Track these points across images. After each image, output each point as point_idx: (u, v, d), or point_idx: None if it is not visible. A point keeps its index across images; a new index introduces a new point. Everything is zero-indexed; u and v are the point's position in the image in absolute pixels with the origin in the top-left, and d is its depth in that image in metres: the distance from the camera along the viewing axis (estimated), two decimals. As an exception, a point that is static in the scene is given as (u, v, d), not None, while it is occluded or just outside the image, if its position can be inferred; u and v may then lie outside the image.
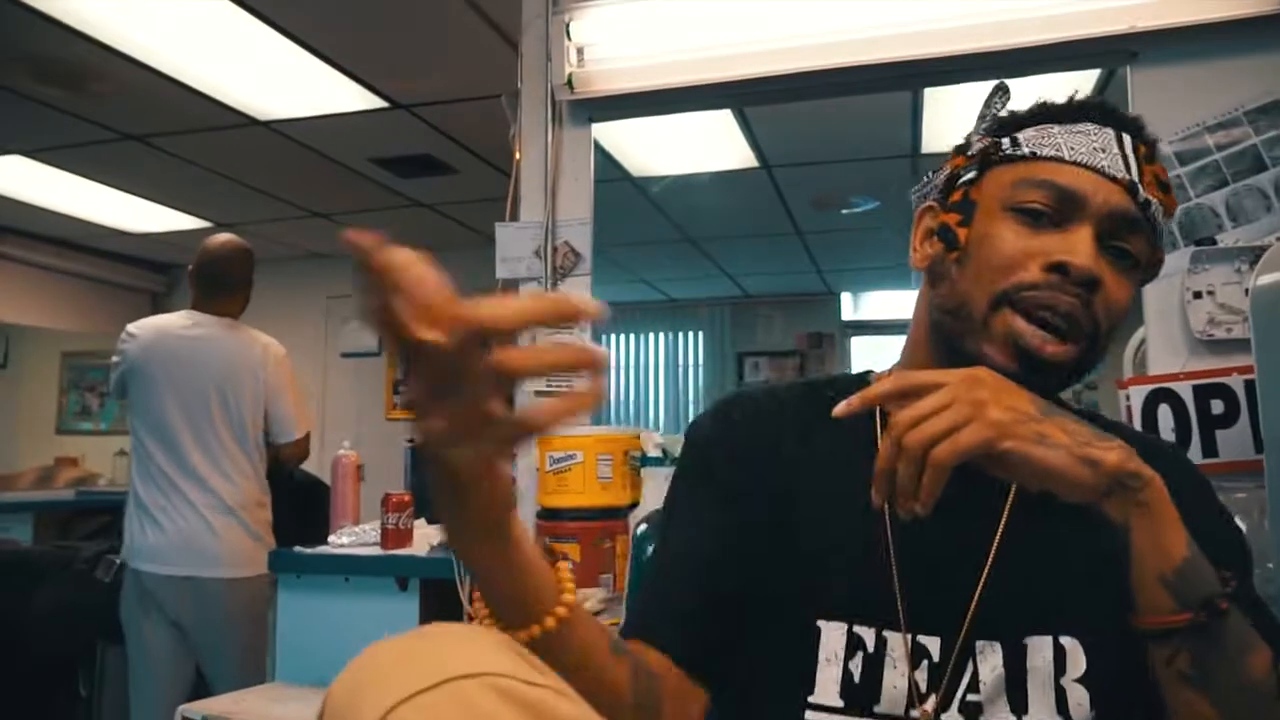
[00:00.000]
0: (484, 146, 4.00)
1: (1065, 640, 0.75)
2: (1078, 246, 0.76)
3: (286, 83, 3.35)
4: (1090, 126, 0.81)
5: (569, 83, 1.86)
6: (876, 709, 0.76)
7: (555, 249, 1.88)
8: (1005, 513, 0.80)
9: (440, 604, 1.97)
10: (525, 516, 1.81)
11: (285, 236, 5.52)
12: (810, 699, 0.77)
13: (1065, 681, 0.74)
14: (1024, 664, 0.75)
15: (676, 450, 1.70)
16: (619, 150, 1.99)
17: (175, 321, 2.47)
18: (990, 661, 0.76)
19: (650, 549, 1.08)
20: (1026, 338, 0.75)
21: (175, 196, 4.82)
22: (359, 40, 3.03)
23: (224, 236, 2.64)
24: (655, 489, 1.70)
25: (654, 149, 2.15)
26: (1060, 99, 0.84)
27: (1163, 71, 1.66)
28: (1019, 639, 0.76)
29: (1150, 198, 0.79)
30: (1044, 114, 0.83)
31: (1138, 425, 1.51)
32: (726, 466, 0.86)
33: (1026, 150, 0.81)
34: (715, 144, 3.41)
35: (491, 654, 0.52)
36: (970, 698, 0.75)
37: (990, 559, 0.78)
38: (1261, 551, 1.27)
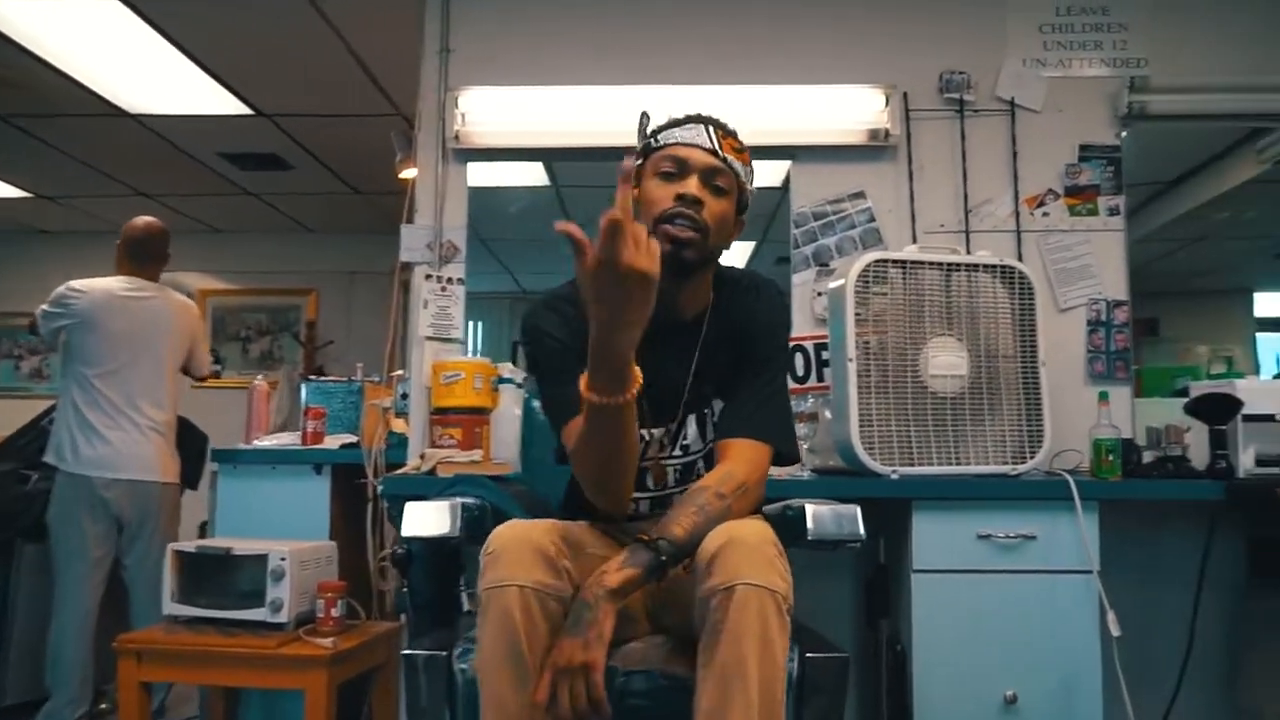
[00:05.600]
0: (323, 150, 4.77)
1: (716, 402, 1.58)
2: (689, 185, 1.46)
3: (163, 83, 3.95)
4: (693, 124, 1.51)
5: (456, 137, 2.86)
6: (648, 456, 1.57)
7: (442, 244, 2.87)
8: (696, 351, 1.54)
9: (346, 481, 2.85)
10: (423, 416, 2.77)
11: (102, 211, 5.83)
12: None
13: (714, 417, 1.58)
14: (705, 415, 1.59)
15: (519, 378, 2.72)
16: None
17: (116, 284, 3.14)
18: (691, 424, 1.59)
19: (536, 402, 2.06)
20: (670, 232, 1.43)
21: (4, 169, 5.12)
22: (242, 57, 3.73)
23: (147, 218, 3.32)
24: (507, 398, 2.70)
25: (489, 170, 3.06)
26: (681, 114, 1.55)
27: (808, 166, 2.91)
28: (701, 410, 1.59)
29: (727, 155, 1.48)
30: (671, 123, 1.54)
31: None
32: (559, 341, 1.51)
33: (661, 143, 1.51)
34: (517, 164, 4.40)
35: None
36: (682, 442, 1.58)
37: (689, 381, 1.55)
38: (828, 429, 2.48)
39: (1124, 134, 2.86)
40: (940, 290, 2.44)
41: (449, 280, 2.86)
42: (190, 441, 3.38)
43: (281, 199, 5.66)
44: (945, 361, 2.40)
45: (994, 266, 2.46)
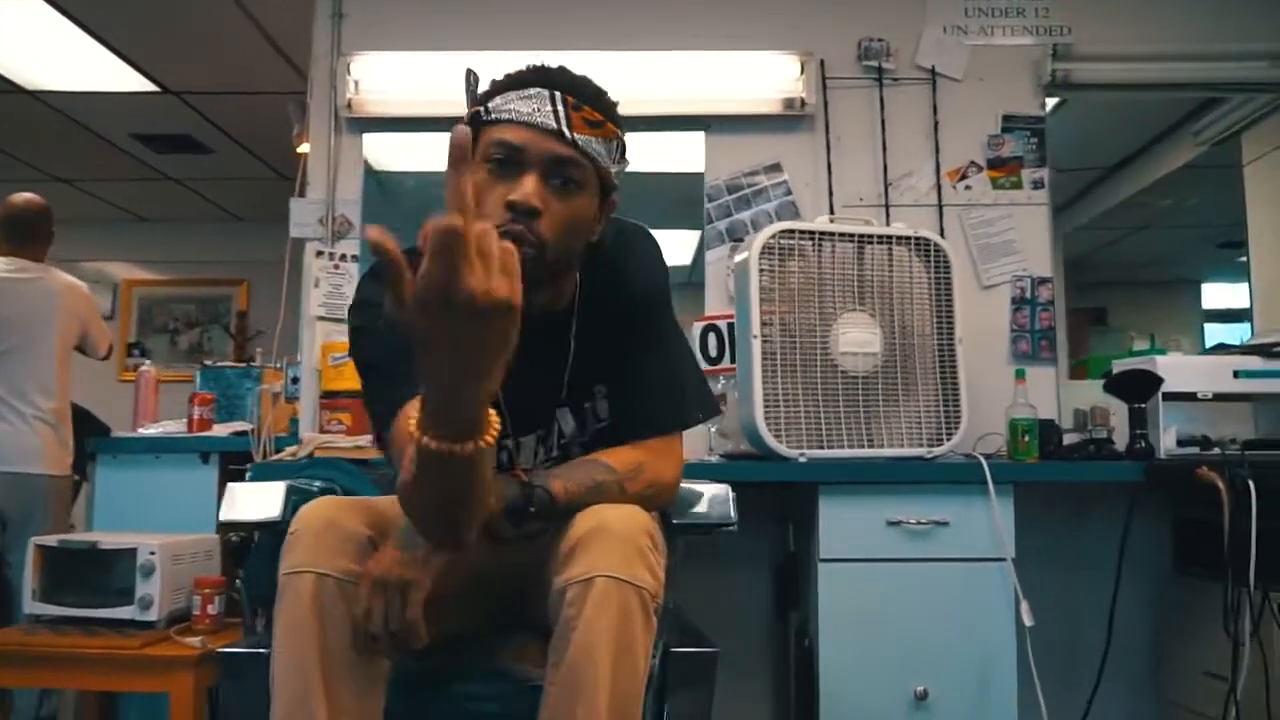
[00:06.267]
0: (242, 132, 4.57)
1: (597, 388, 1.34)
2: (523, 187, 1.10)
3: (61, 59, 3.74)
4: (534, 90, 1.14)
5: (349, 105, 2.69)
6: (515, 464, 1.29)
7: (335, 218, 2.71)
8: (570, 347, 1.30)
9: (238, 472, 2.67)
10: (313, 400, 2.61)
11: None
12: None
13: (597, 404, 1.34)
14: (585, 410, 1.34)
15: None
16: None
17: None
18: (567, 419, 1.35)
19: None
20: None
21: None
22: (141, 30, 3.52)
23: (26, 195, 3.13)
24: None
25: (399, 151, 2.86)
26: (522, 66, 1.18)
27: (722, 138, 2.77)
28: (581, 404, 1.34)
29: (580, 136, 1.13)
30: (507, 84, 1.17)
31: (696, 345, 2.57)
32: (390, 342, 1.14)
33: (492, 116, 1.14)
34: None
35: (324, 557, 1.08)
36: (560, 440, 1.34)
37: (565, 383, 1.30)
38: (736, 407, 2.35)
39: (1048, 104, 2.76)
40: (852, 264, 2.32)
41: (342, 257, 2.70)
42: (88, 432, 3.19)
43: (206, 185, 5.44)
44: (856, 338, 2.27)
45: (909, 239, 2.34)
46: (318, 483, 1.56)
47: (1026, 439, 2.23)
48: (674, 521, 1.41)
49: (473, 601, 1.33)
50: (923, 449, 2.27)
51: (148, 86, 4.00)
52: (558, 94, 1.14)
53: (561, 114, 1.13)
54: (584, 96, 1.17)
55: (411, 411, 0.94)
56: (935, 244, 2.35)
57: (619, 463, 1.25)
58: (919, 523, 2.11)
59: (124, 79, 3.91)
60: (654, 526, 1.18)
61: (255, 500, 1.39)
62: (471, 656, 1.32)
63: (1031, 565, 2.12)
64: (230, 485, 1.38)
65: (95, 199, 5.66)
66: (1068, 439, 2.39)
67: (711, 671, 1.39)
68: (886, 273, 2.33)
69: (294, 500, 1.42)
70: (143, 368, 2.98)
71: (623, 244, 1.33)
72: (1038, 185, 2.73)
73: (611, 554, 1.09)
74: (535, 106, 1.13)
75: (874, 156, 2.73)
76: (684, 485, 1.44)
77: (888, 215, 2.69)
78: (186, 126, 4.46)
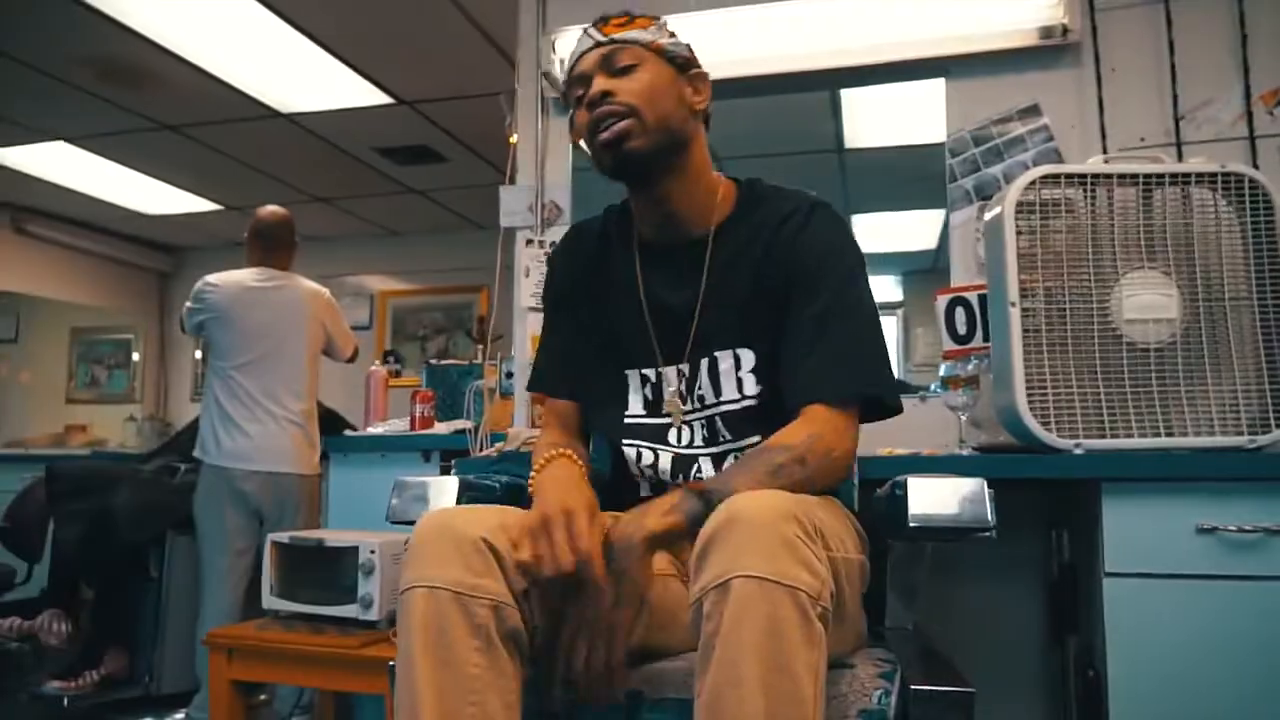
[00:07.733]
0: (473, 138, 4.66)
1: (741, 351, 1.29)
2: (592, 90, 1.27)
3: (309, 80, 3.96)
4: (580, 41, 1.33)
5: (555, 85, 2.58)
6: (663, 411, 1.34)
7: (544, 205, 2.61)
8: (703, 280, 1.30)
9: (448, 469, 2.63)
10: (525, 394, 2.51)
11: (286, 220, 6.11)
12: (625, 413, 1.36)
13: (742, 374, 1.29)
14: (717, 368, 1.30)
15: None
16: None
17: (249, 276, 3.11)
18: (702, 371, 1.31)
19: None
20: (602, 138, 1.25)
21: (192, 181, 5.37)
22: (374, 44, 3.66)
23: (271, 207, 3.29)
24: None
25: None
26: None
27: (965, 82, 2.40)
28: (714, 353, 1.30)
29: (616, 34, 1.28)
30: (571, 58, 1.36)
31: (942, 321, 2.23)
32: (561, 283, 1.44)
33: (566, 80, 1.35)
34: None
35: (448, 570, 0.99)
36: (699, 393, 1.31)
37: (697, 311, 1.30)
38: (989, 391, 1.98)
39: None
40: (1137, 212, 1.89)
41: (552, 244, 2.58)
42: (335, 431, 3.32)
43: (445, 194, 5.64)
44: (1146, 302, 1.84)
45: (1213, 176, 1.87)
46: (503, 477, 1.40)
47: (1395, 423, 1.71)
48: (912, 525, 1.13)
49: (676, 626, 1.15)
50: (1242, 437, 1.80)
51: (383, 99, 4.15)
52: (594, 24, 1.32)
53: (594, 33, 1.31)
54: (618, 14, 1.32)
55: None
56: (1251, 180, 1.86)
57: (790, 439, 1.16)
58: (1242, 530, 1.66)
59: (362, 93, 4.07)
60: (806, 508, 0.99)
61: (423, 497, 1.24)
62: (654, 683, 1.11)
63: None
64: (398, 479, 1.25)
65: (351, 216, 6.04)
66: None
67: (966, 717, 1.09)
68: (1183, 220, 1.88)
69: (468, 497, 1.27)
70: (372, 368, 3.03)
71: (800, 207, 1.31)
72: (1391, 102, 2.14)
73: (748, 549, 0.92)
74: (584, 43, 1.32)
75: (1158, 86, 2.26)
76: (926, 480, 1.16)
77: (1179, 155, 2.21)
78: (422, 137, 4.60)
